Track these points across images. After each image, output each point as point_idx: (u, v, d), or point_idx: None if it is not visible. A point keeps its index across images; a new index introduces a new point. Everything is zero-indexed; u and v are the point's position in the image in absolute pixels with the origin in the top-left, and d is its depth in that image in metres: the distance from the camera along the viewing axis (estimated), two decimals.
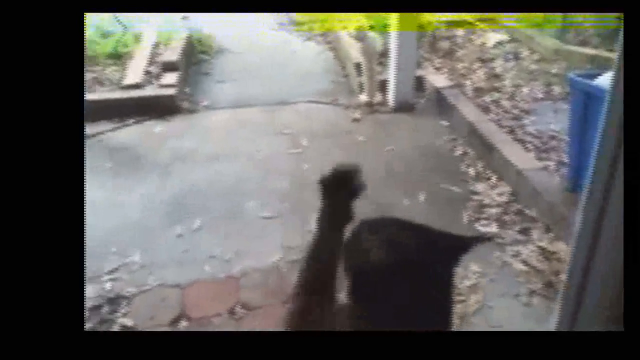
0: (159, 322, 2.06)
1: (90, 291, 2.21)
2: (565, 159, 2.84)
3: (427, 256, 0.93)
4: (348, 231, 1.02)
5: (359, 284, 0.96)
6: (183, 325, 2.04)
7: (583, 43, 4.31)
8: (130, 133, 3.59)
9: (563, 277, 2.19)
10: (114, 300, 2.17)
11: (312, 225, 2.54)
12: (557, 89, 3.85)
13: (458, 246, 0.96)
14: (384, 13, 4.30)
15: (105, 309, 2.13)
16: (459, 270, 2.27)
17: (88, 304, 2.14)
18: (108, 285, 2.24)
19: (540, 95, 3.80)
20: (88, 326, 2.05)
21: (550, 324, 1.54)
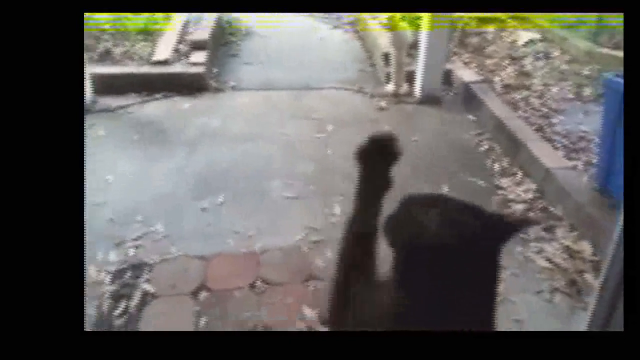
0: (180, 291, 2.08)
1: (115, 257, 2.24)
2: (595, 160, 2.80)
3: (478, 233, 0.91)
4: (394, 204, 1.02)
5: (404, 259, 0.95)
6: (204, 296, 2.06)
7: (617, 46, 4.24)
8: (158, 107, 3.61)
9: (587, 276, 2.18)
10: (137, 267, 2.19)
11: (335, 208, 2.56)
12: (587, 91, 3.79)
13: (509, 226, 0.95)
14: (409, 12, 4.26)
15: (128, 274, 2.15)
16: None
17: (112, 268, 2.17)
18: (132, 252, 2.27)
19: (571, 96, 3.74)
20: (110, 289, 2.08)
21: (577, 324, 1.52)
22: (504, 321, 1.99)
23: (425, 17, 3.70)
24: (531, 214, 2.59)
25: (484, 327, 0.95)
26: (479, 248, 0.91)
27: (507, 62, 4.33)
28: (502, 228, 0.94)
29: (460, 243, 0.88)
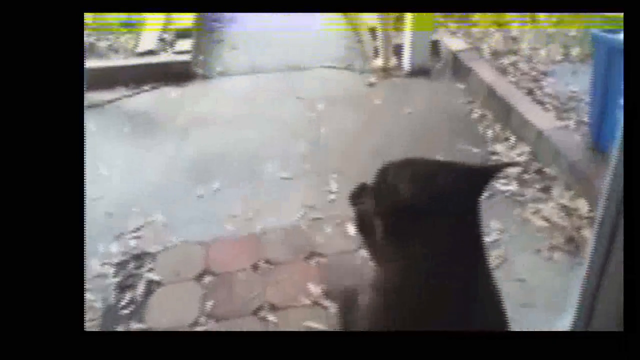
0: (185, 277, 2.10)
1: (116, 248, 2.25)
2: (586, 118, 2.81)
3: (453, 187, 0.94)
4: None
5: (391, 224, 0.98)
6: (208, 280, 2.08)
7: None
8: (147, 99, 3.59)
9: (584, 232, 2.20)
10: (140, 257, 2.20)
11: (332, 185, 2.57)
12: (575, 51, 3.79)
13: (482, 175, 0.98)
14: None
15: (132, 265, 2.17)
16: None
17: (114, 260, 2.18)
18: (133, 243, 2.28)
19: (559, 58, 3.74)
20: (115, 281, 2.09)
21: (576, 279, 1.54)
22: (506, 282, 2.02)
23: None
24: (526, 176, 2.61)
25: (475, 280, 0.97)
26: (454, 203, 0.93)
27: (493, 28, 4.31)
28: (476, 178, 0.97)
29: (434, 203, 0.91)
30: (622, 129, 1.05)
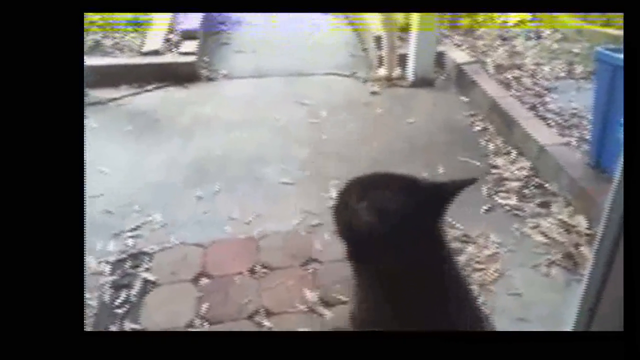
0: (181, 279, 2.09)
1: (113, 247, 2.24)
2: (587, 136, 2.82)
3: (412, 210, 0.95)
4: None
5: (352, 249, 1.00)
6: (204, 282, 2.07)
7: (607, 23, 4.25)
8: (150, 98, 3.60)
9: (583, 249, 2.20)
10: (137, 256, 2.19)
11: (332, 192, 2.56)
12: (579, 68, 3.81)
13: (442, 194, 0.99)
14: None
15: (128, 263, 2.16)
16: (478, 240, 2.28)
17: (111, 258, 2.17)
18: (130, 242, 2.27)
19: (562, 74, 3.76)
20: (111, 279, 2.08)
21: (573, 296, 1.54)
22: (503, 296, 2.02)
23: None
24: (525, 191, 2.61)
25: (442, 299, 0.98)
26: (412, 227, 0.94)
27: (498, 42, 4.33)
28: (436, 198, 0.98)
29: (393, 228, 0.92)
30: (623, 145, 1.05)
